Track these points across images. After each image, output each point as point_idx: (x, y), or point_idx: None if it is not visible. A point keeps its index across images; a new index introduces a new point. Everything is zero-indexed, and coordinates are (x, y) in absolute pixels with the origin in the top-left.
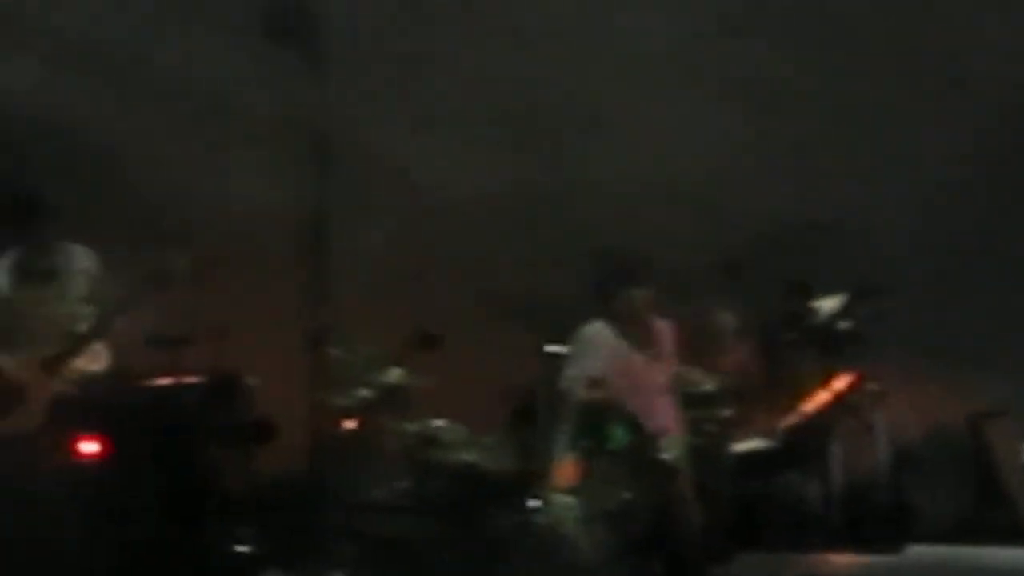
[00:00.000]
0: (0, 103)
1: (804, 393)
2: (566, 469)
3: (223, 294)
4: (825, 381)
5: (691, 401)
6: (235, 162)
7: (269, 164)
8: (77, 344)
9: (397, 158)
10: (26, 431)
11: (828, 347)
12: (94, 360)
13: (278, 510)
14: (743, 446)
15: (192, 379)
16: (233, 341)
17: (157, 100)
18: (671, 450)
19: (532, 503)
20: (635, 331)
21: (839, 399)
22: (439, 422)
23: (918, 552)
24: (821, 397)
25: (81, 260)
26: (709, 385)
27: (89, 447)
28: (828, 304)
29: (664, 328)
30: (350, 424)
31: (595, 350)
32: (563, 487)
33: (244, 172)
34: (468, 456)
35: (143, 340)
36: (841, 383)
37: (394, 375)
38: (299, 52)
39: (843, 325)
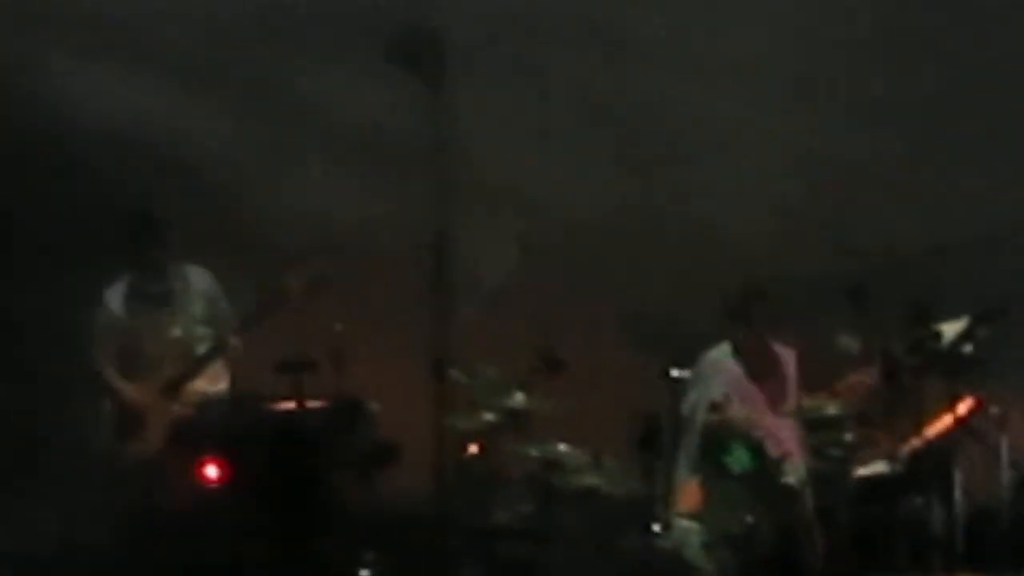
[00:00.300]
0: (122, 127)
1: (927, 417)
2: (689, 493)
3: (347, 319)
4: (948, 405)
5: (814, 425)
6: (357, 185)
7: (391, 188)
8: (195, 367)
9: (522, 182)
10: (146, 456)
11: (951, 371)
12: (214, 381)
13: (401, 534)
14: (866, 470)
15: (316, 403)
16: (357, 366)
17: (281, 125)
18: (794, 474)
19: (655, 527)
20: (758, 356)
21: (962, 423)
22: (562, 446)
23: None
24: (944, 421)
25: (199, 281)
26: (832, 409)
27: (211, 471)
28: (951, 328)
29: (787, 353)
30: (473, 448)
31: (718, 374)
32: (686, 511)
33: (366, 196)
34: (591, 480)
35: (270, 366)
36: (964, 407)
37: (517, 399)
38: (421, 76)
39: (966, 349)
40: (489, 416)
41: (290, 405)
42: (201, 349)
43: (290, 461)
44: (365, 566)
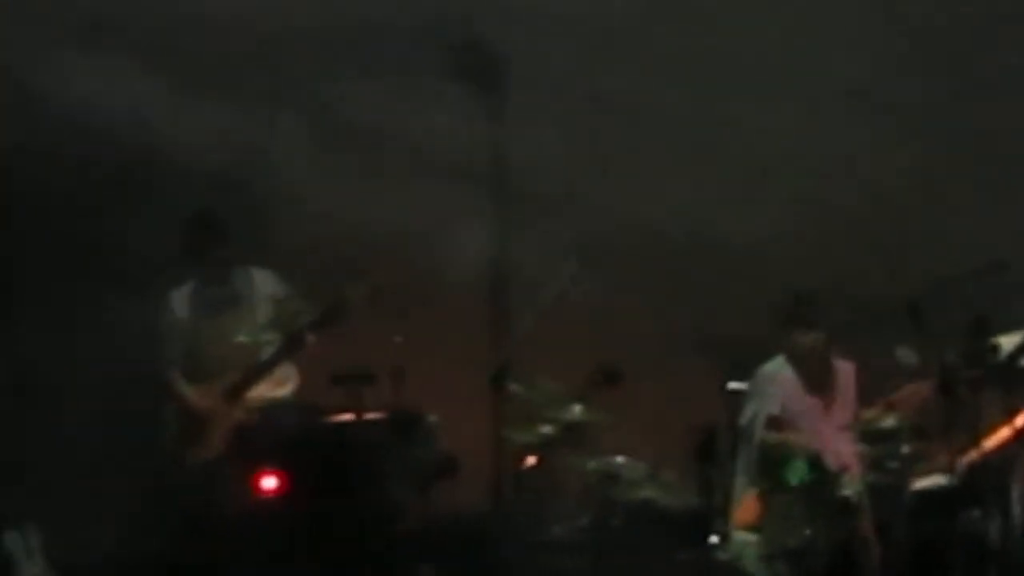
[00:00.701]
0: (190, 142)
1: (984, 430)
2: (747, 506)
3: (406, 331)
4: (1006, 418)
5: (871, 438)
6: (417, 201)
7: (451, 203)
8: (259, 371)
9: (580, 194)
10: (207, 462)
11: (1009, 384)
12: (280, 386)
13: (459, 547)
14: (923, 483)
15: (374, 415)
16: (416, 378)
17: (340, 139)
18: (851, 487)
19: (712, 540)
20: (815, 369)
21: (1020, 436)
22: (620, 459)
23: None
24: (1002, 434)
25: (264, 285)
26: (890, 422)
27: (268, 482)
28: (1009, 341)
29: (844, 366)
30: (531, 461)
31: (775, 388)
32: (744, 524)
33: (426, 211)
34: (649, 493)
35: (329, 378)
36: (1021, 419)
37: (575, 411)
38: (481, 92)
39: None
40: (547, 429)
41: (349, 417)
42: (265, 354)
43: (348, 473)
44: None
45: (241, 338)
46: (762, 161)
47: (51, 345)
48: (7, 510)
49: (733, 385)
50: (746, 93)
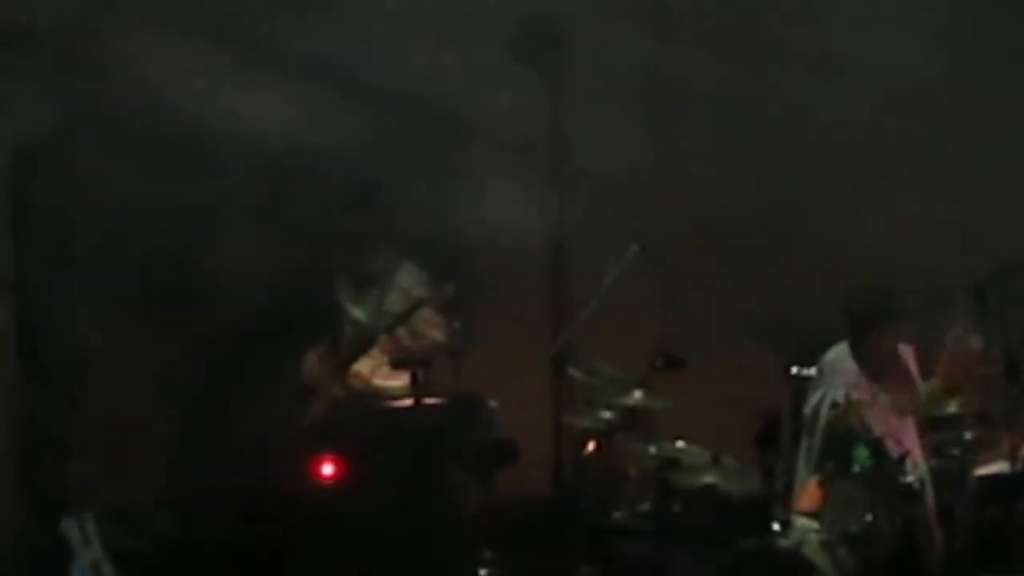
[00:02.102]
0: (285, 133)
1: None
2: (809, 492)
3: (466, 315)
4: None
5: (935, 424)
6: (479, 186)
7: (513, 188)
8: (355, 351)
9: (640, 182)
10: (267, 448)
11: None
12: (397, 377)
13: (519, 533)
14: (987, 469)
15: (434, 400)
16: (476, 362)
17: (410, 126)
18: (914, 473)
19: (774, 526)
20: (879, 355)
21: None
22: (681, 444)
23: None
24: None
25: (403, 277)
26: (953, 408)
27: (327, 468)
28: None
29: (907, 352)
30: (592, 446)
31: (839, 374)
32: (805, 510)
33: (488, 196)
34: (710, 479)
35: (389, 361)
36: None
37: (636, 397)
38: (545, 77)
39: None
40: (608, 414)
41: (408, 402)
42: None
43: (408, 459)
44: (484, 565)
45: (359, 315)
46: (829, 148)
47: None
48: (64, 496)
49: (796, 370)
50: (815, 79)
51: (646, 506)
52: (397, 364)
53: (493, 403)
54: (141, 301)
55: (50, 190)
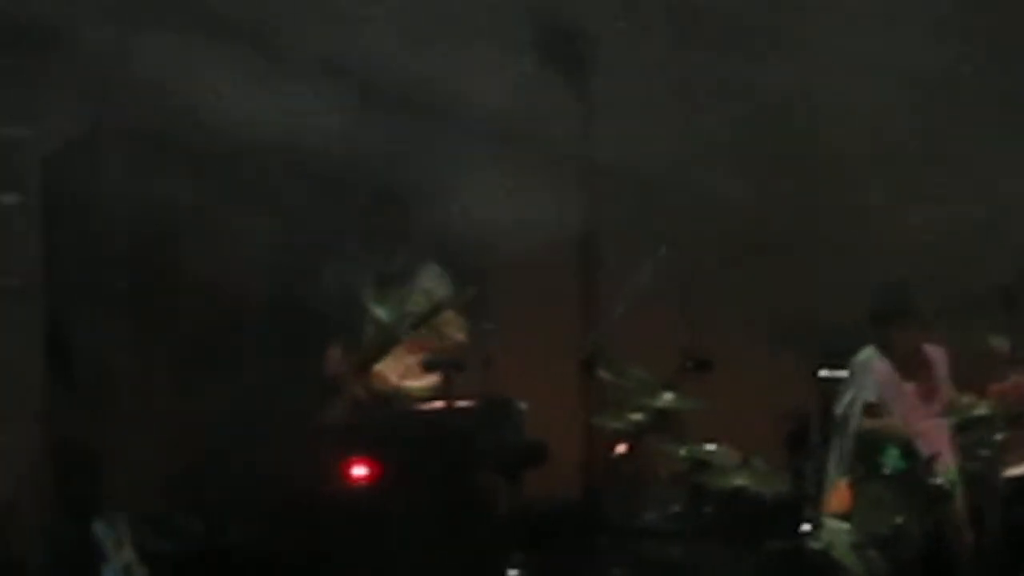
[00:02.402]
0: (315, 139)
1: None
2: (840, 493)
3: (496, 318)
4: None
5: (965, 425)
6: (509, 187)
7: (540, 185)
8: (377, 352)
9: (670, 180)
10: (298, 449)
11: None
12: (419, 378)
13: (549, 534)
14: (1016, 471)
15: (464, 403)
16: (505, 365)
17: (430, 127)
18: (944, 475)
19: (804, 528)
20: (908, 357)
21: None
22: (711, 446)
23: None
24: None
25: (425, 279)
26: (982, 410)
27: (359, 470)
28: None
29: (937, 354)
30: (621, 448)
31: (870, 376)
32: (836, 511)
33: (517, 197)
34: (740, 480)
35: (422, 363)
36: None
37: (666, 399)
38: (573, 77)
39: None
40: (638, 416)
41: (439, 404)
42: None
43: (438, 460)
44: (514, 566)
45: (381, 315)
46: (856, 146)
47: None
48: (97, 499)
49: (825, 373)
50: (843, 76)
51: (676, 508)
52: (430, 366)
53: (523, 405)
54: (166, 301)
55: (81, 192)
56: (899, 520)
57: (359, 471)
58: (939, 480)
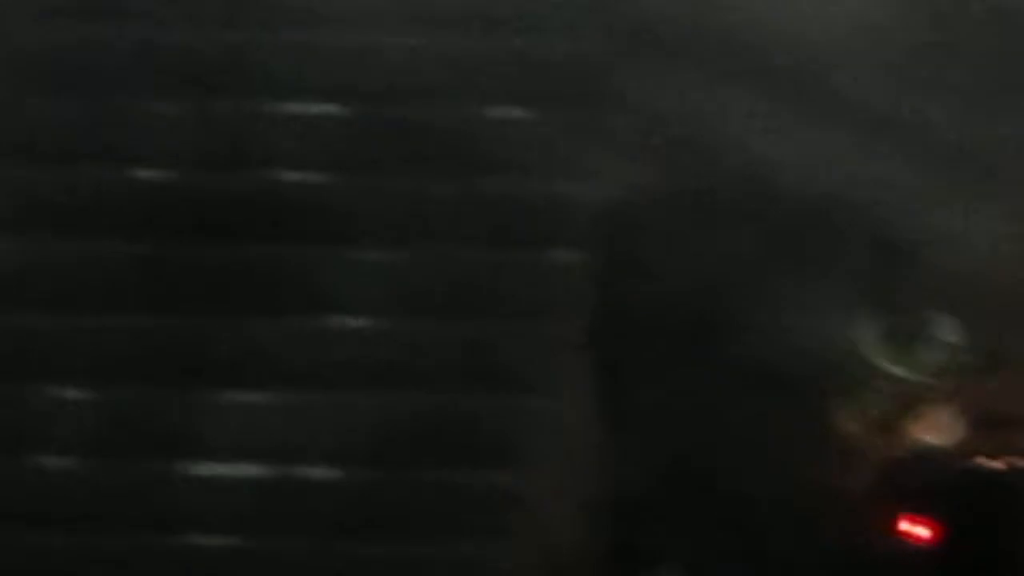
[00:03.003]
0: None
1: None
2: None
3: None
4: None
5: None
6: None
7: None
8: (911, 406)
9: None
10: (852, 493)
11: None
12: (939, 433)
13: None
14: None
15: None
16: None
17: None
18: None
19: None
20: None
21: None
22: None
23: None
24: None
25: (948, 332)
26: None
27: (919, 530)
28: None
29: None
30: None
31: None
32: None
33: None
34: None
35: (972, 420)
36: None
37: None
38: None
39: None
40: None
41: (1001, 464)
42: (923, 394)
43: (1003, 525)
44: None
45: (900, 372)
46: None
47: None
48: (656, 547)
49: None
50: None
51: None
52: (988, 426)
53: None
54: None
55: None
56: None
57: (921, 531)
58: None
